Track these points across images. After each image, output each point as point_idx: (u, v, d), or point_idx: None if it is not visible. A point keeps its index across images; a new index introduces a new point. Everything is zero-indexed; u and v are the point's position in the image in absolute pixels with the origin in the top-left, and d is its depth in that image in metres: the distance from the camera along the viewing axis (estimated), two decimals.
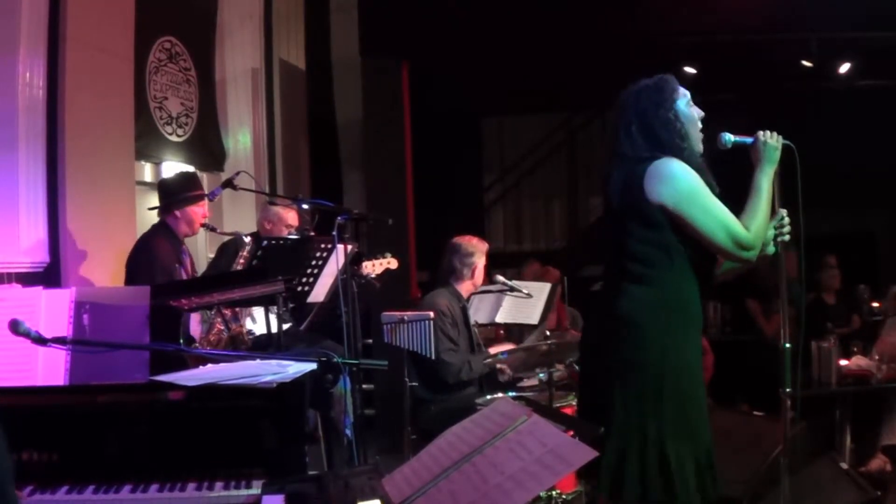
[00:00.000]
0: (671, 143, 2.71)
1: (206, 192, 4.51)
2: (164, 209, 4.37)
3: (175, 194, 4.36)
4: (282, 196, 6.30)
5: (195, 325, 4.27)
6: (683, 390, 2.65)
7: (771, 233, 2.85)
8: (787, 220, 2.88)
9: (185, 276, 4.28)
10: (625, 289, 2.71)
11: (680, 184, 2.64)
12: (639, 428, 2.63)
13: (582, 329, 4.19)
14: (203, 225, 4.40)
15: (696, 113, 2.82)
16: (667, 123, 2.73)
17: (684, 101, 2.79)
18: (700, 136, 2.81)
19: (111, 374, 2.40)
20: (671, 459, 2.60)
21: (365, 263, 4.58)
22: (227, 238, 4.88)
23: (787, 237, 2.88)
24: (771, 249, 2.88)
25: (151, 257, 4.16)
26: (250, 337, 4.37)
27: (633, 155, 2.73)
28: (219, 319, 4.06)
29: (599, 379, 2.76)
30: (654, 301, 2.67)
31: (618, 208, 2.76)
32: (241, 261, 4.30)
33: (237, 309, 4.32)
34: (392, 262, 4.72)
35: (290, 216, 4.90)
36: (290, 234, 4.81)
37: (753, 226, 2.70)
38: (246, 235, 4.39)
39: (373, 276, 4.63)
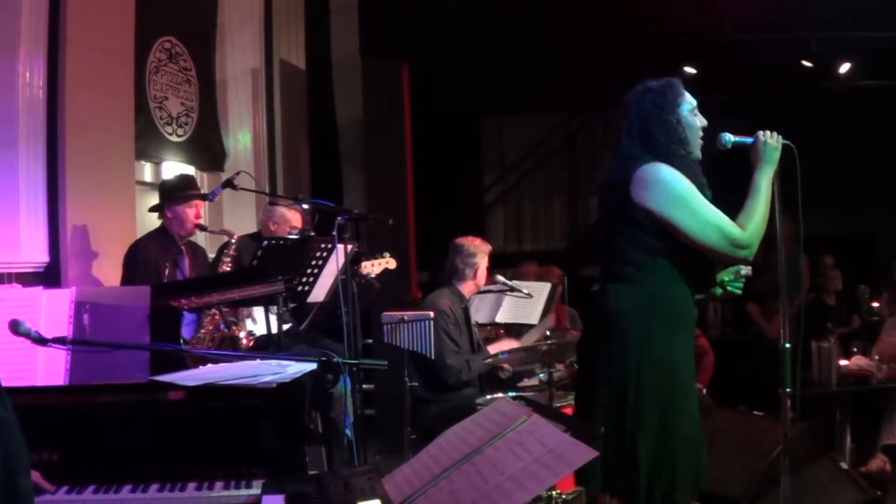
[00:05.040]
0: (668, 147, 2.72)
1: (206, 192, 4.53)
2: (158, 210, 4.49)
3: (166, 195, 4.45)
4: (282, 196, 6.30)
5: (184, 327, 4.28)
6: (665, 388, 2.65)
7: (727, 276, 2.92)
8: (746, 273, 2.92)
9: (181, 277, 4.33)
10: (611, 288, 2.76)
11: (666, 188, 2.65)
12: (618, 422, 2.64)
13: (581, 329, 4.19)
14: (196, 225, 4.44)
15: (699, 122, 2.82)
16: (667, 127, 2.73)
17: (688, 107, 2.79)
18: (700, 143, 2.81)
19: (111, 374, 2.40)
20: (647, 455, 2.60)
21: (364, 264, 4.58)
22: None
23: (738, 291, 2.97)
24: (717, 291, 2.96)
25: (137, 260, 4.26)
26: (251, 337, 4.37)
27: (629, 156, 2.75)
28: (207, 319, 4.06)
29: (588, 376, 2.80)
30: (636, 300, 2.69)
31: (608, 209, 2.80)
32: (227, 259, 4.33)
33: (237, 309, 4.33)
34: (391, 262, 4.72)
35: (295, 217, 4.91)
36: (291, 234, 4.81)
37: (749, 224, 2.70)
38: (233, 234, 4.47)
39: (372, 276, 4.63)
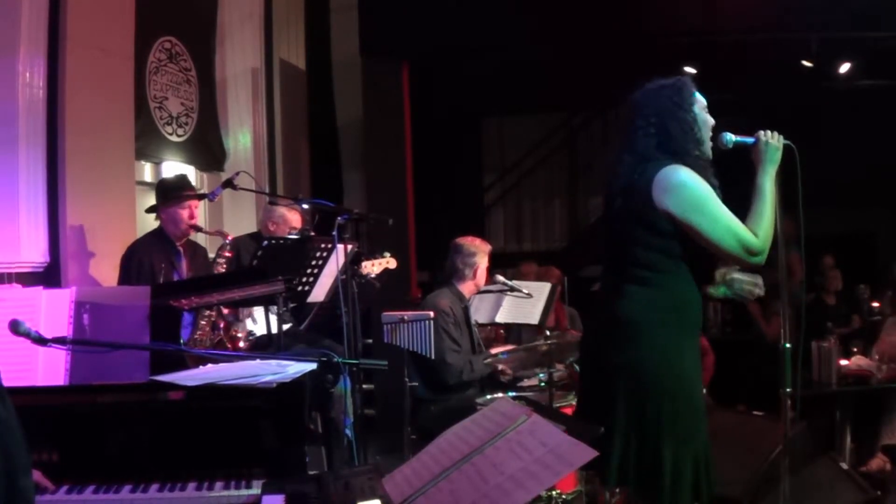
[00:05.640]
0: (685, 146, 2.71)
1: (206, 192, 4.53)
2: (154, 211, 4.50)
3: (160, 196, 4.47)
4: (282, 196, 6.30)
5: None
6: (681, 393, 2.66)
7: (739, 285, 2.91)
8: (759, 293, 2.93)
9: (177, 277, 4.33)
10: (626, 291, 2.72)
11: (688, 193, 2.64)
12: (637, 428, 2.64)
13: (582, 329, 4.19)
14: (190, 226, 4.44)
15: (710, 120, 2.82)
16: (683, 125, 2.72)
17: (699, 106, 2.79)
18: (710, 142, 2.82)
19: (111, 374, 2.40)
20: (669, 460, 2.61)
21: (364, 263, 4.58)
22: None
23: (730, 294, 2.97)
24: (721, 291, 2.95)
25: (133, 261, 4.28)
26: (251, 338, 4.37)
27: (642, 155, 2.73)
28: (203, 321, 4.06)
29: (599, 379, 2.77)
30: (654, 304, 2.68)
31: (622, 211, 2.76)
32: (222, 260, 4.34)
33: (236, 309, 4.33)
34: (391, 262, 4.72)
35: (295, 218, 4.91)
36: (291, 234, 4.81)
37: (761, 230, 2.70)
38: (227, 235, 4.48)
39: (372, 275, 4.63)
